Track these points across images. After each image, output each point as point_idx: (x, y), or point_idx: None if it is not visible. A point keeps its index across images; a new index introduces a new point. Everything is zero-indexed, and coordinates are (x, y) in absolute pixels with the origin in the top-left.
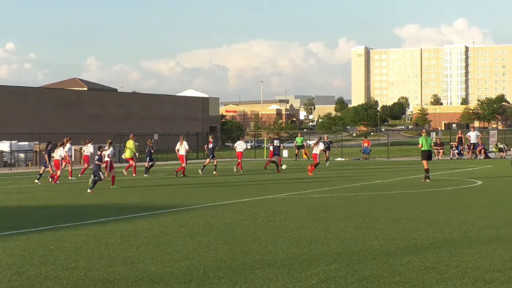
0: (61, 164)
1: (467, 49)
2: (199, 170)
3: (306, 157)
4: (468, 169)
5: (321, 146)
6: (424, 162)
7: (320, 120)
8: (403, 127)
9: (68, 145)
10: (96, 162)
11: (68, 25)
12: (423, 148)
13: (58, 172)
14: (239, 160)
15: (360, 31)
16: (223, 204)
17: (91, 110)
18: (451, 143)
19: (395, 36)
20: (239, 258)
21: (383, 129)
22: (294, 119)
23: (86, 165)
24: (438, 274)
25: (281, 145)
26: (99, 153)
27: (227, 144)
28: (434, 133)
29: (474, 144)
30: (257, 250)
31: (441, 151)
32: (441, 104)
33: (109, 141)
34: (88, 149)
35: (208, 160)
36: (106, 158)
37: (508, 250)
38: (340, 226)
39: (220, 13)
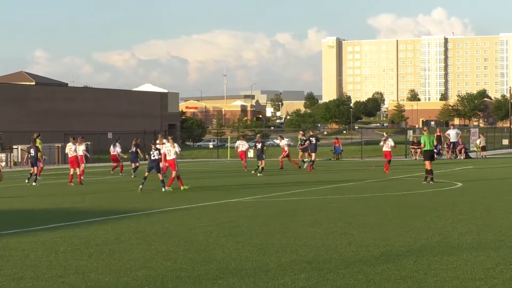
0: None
1: (446, 40)
2: (258, 174)
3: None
4: (448, 170)
5: (390, 142)
6: (427, 162)
7: (288, 117)
8: (378, 124)
9: (83, 145)
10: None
11: (13, 14)
12: (425, 148)
13: (72, 171)
14: (243, 161)
15: (331, 21)
16: (183, 209)
17: (40, 106)
18: None
19: (369, 27)
20: (201, 267)
21: (356, 127)
22: (260, 116)
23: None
24: (415, 283)
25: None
26: (153, 148)
27: (188, 143)
28: (411, 131)
29: (454, 143)
30: (220, 258)
31: (418, 150)
32: (419, 100)
33: (170, 137)
34: (81, 148)
35: (262, 161)
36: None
37: (490, 257)
38: (309, 232)
39: (178, 0)
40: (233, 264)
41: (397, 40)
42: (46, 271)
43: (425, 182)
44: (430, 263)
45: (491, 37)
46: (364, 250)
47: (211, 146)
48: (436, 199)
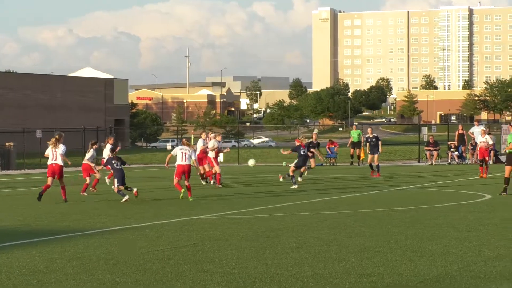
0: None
1: (471, 12)
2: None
3: (362, 157)
4: (473, 178)
5: (489, 139)
6: (508, 168)
7: (268, 110)
8: (383, 120)
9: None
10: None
11: None
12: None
13: (88, 180)
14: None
15: None
16: (133, 228)
17: None
18: (449, 142)
19: None
20: None
21: (355, 123)
22: (233, 109)
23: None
24: None
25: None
26: (112, 155)
27: (139, 144)
28: (426, 128)
29: None
30: None
31: (435, 153)
32: (436, 88)
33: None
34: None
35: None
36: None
37: None
38: (295, 257)
39: None
40: None
41: (408, 12)
42: None
43: (504, 194)
44: None
45: None
46: (365, 280)
47: (169, 147)
48: (457, 215)
